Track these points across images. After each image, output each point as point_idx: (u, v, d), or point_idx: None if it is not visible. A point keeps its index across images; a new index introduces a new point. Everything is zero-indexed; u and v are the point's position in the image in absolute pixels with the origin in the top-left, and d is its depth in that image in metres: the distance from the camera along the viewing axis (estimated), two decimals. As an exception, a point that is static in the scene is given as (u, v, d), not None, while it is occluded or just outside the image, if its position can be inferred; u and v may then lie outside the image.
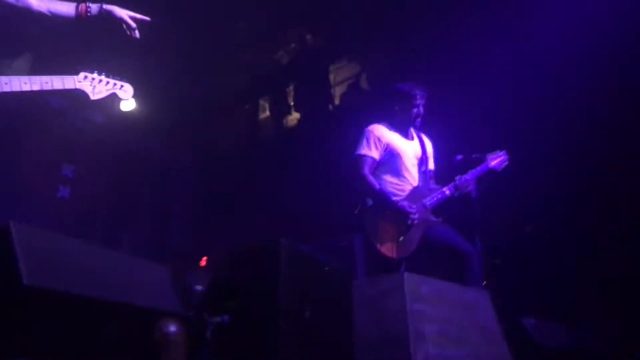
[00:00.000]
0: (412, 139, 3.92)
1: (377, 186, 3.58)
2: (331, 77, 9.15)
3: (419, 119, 3.84)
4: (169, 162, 8.86)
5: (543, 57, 5.29)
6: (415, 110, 3.80)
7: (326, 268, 2.56)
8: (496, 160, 3.85)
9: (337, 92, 9.19)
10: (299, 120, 9.23)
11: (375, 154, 3.69)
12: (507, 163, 3.88)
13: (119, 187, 8.19)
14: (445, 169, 4.10)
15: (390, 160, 3.73)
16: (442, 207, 3.72)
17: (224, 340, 2.07)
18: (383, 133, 3.79)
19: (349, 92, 8.97)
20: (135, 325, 2.05)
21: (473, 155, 4.01)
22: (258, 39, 9.06)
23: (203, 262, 8.97)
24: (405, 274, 2.52)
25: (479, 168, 3.79)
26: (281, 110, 9.40)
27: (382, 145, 3.72)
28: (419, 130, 3.99)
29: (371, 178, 3.63)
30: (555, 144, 5.22)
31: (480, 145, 4.09)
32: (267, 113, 9.71)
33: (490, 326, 2.75)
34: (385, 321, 2.66)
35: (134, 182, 8.57)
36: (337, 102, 9.15)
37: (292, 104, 9.39)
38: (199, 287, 3.44)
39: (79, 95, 2.96)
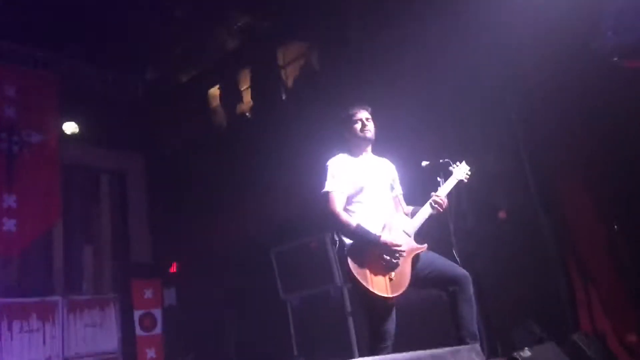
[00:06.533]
0: (375, 165, 3.59)
1: (354, 223, 3.26)
2: (280, 57, 8.65)
3: (370, 135, 3.51)
4: (119, 171, 8.38)
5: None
6: (359, 125, 3.49)
7: None
8: (461, 171, 3.60)
9: (289, 72, 8.73)
10: (252, 107, 8.76)
11: (342, 187, 3.35)
12: (469, 173, 3.63)
13: (71, 204, 7.73)
14: (413, 181, 3.81)
15: (358, 192, 3.40)
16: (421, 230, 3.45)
17: None
18: (344, 165, 3.45)
19: (301, 72, 8.52)
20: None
21: (440, 161, 3.69)
22: (198, 24, 8.52)
23: (173, 268, 8.67)
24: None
25: (449, 181, 3.52)
26: (232, 98, 8.91)
27: (347, 178, 3.38)
28: (380, 154, 3.66)
29: (345, 215, 3.29)
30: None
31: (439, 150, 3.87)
32: (218, 102, 9.20)
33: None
34: None
35: (86, 196, 8.12)
36: (289, 83, 8.69)
37: (242, 89, 8.92)
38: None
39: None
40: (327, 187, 3.35)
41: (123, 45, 7.98)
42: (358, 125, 3.52)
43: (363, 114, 3.54)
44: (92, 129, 8.10)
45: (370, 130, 3.54)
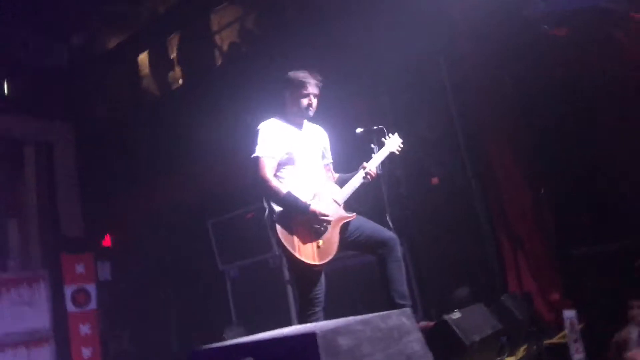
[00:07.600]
0: (307, 131, 3.52)
1: (284, 189, 3.20)
2: (214, 22, 8.36)
3: (310, 110, 3.43)
4: (45, 141, 7.97)
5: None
6: (306, 101, 3.39)
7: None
8: (393, 143, 3.61)
9: (224, 37, 8.45)
10: (184, 73, 8.45)
11: (272, 152, 3.27)
12: (402, 146, 3.66)
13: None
14: (346, 148, 3.80)
15: (289, 158, 3.33)
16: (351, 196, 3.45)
17: None
18: (276, 129, 3.36)
19: (236, 36, 8.26)
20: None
21: (374, 127, 3.67)
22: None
23: (107, 241, 8.39)
24: (318, 333, 2.16)
25: (380, 152, 3.53)
26: (162, 65, 8.56)
27: (279, 144, 3.30)
28: (313, 121, 3.59)
29: (275, 181, 3.23)
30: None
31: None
32: (148, 69, 8.82)
33: (417, 350, 2.55)
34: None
35: (9, 168, 7.70)
36: (224, 48, 8.42)
37: (173, 56, 8.58)
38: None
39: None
40: (258, 151, 3.27)
41: (46, 7, 7.49)
42: (305, 100, 3.39)
43: (314, 90, 3.41)
44: (14, 98, 7.65)
45: (314, 109, 3.46)
